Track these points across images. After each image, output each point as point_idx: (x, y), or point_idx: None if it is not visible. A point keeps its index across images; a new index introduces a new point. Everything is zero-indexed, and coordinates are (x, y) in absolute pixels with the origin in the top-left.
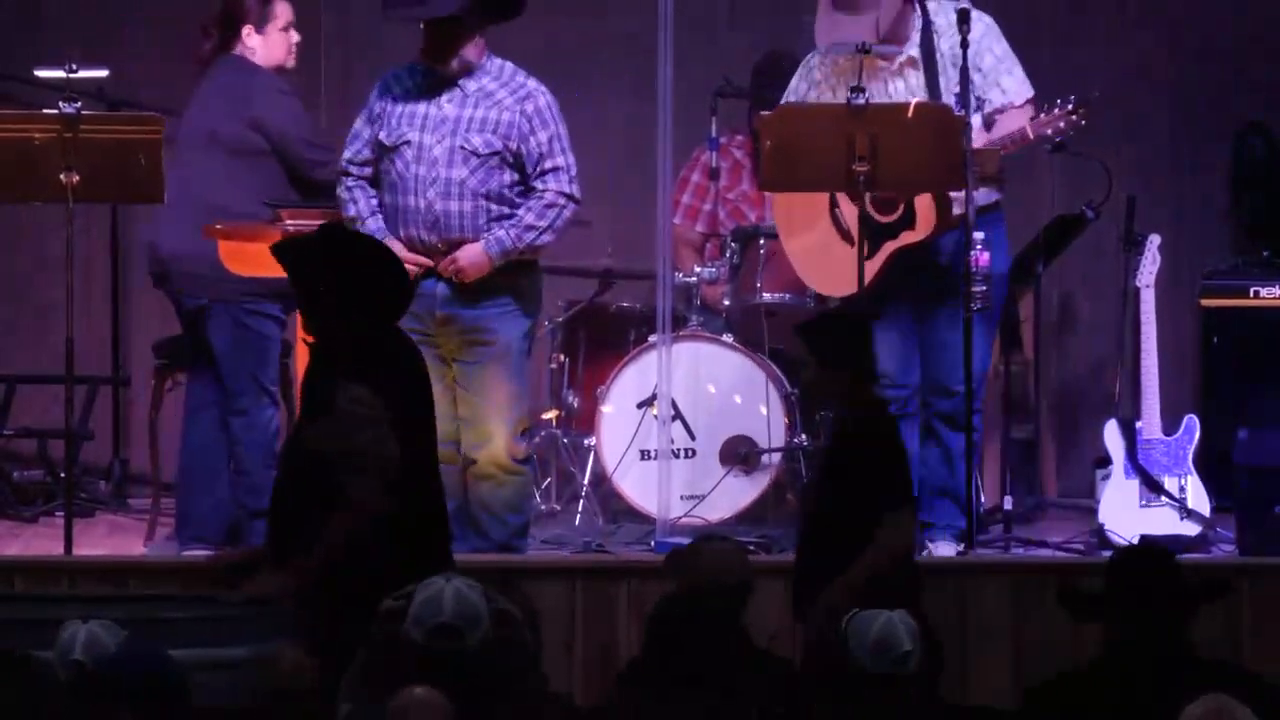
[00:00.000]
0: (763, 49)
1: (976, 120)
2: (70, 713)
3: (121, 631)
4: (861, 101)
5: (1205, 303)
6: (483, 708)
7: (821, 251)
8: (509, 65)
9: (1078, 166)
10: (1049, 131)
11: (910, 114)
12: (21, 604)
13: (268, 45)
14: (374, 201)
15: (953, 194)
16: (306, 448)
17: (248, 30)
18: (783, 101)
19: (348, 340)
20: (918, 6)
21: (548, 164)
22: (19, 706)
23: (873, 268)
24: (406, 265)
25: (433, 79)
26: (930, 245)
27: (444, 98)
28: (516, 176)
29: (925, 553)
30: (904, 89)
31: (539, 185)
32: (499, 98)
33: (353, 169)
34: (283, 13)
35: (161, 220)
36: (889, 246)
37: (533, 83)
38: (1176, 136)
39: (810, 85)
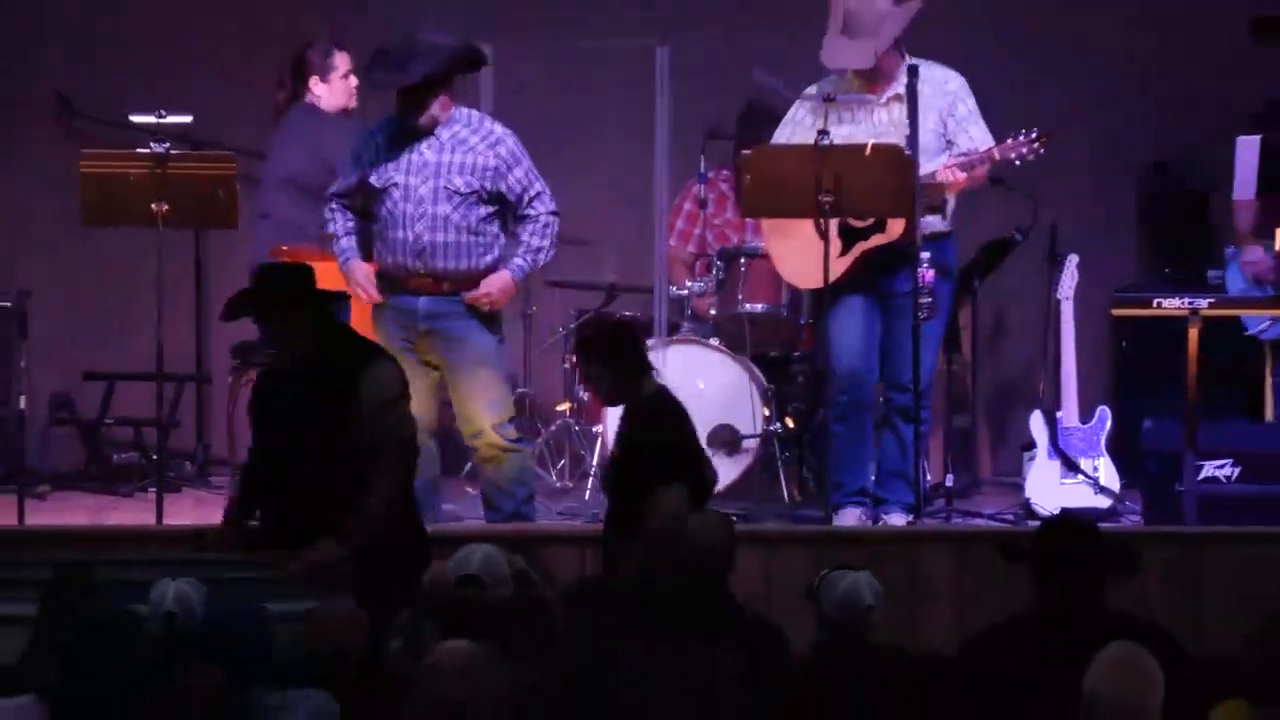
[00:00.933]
0: (745, 98)
1: (943, 157)
2: (161, 659)
3: (203, 587)
4: (826, 143)
5: (1115, 312)
6: (505, 653)
7: (802, 251)
8: (475, 113)
9: (1009, 198)
10: (1013, 155)
11: (868, 153)
12: (121, 566)
13: (331, 92)
14: (350, 224)
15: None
16: (334, 427)
17: (314, 80)
18: (775, 138)
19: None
20: (906, 56)
21: (530, 193)
22: (119, 654)
23: (845, 264)
24: (360, 291)
25: (410, 130)
26: (895, 252)
27: (423, 145)
28: (491, 210)
29: (880, 523)
30: (888, 120)
31: (530, 211)
32: (473, 144)
33: (334, 200)
34: (342, 62)
35: (253, 247)
36: (860, 246)
37: (499, 128)
38: (1093, 173)
39: (798, 123)
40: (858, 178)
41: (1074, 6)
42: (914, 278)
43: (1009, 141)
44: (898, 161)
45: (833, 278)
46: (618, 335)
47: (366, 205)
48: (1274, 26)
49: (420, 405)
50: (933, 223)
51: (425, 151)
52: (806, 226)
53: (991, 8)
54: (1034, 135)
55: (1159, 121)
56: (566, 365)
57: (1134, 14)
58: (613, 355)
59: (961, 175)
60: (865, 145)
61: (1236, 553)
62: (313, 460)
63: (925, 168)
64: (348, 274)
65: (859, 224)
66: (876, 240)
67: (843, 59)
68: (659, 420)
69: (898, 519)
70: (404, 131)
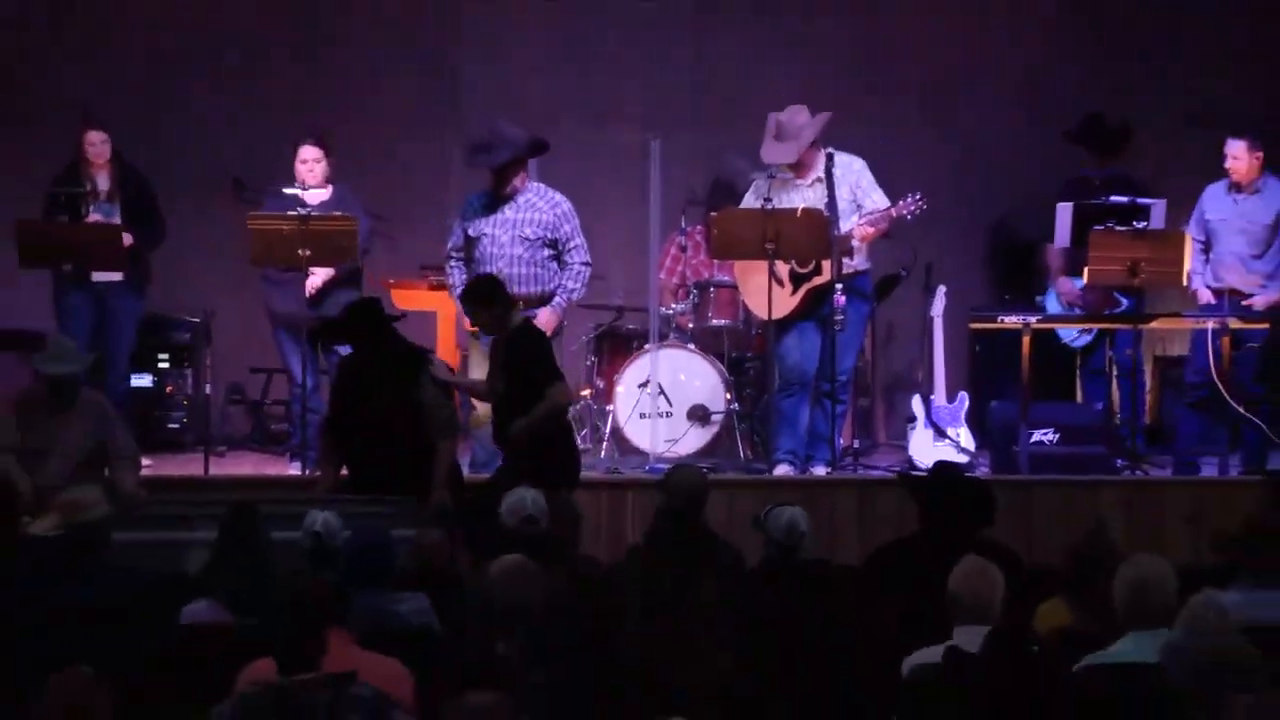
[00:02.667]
0: (713, 175)
1: (855, 217)
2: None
3: (339, 518)
4: (770, 207)
5: (972, 325)
6: (550, 566)
7: (760, 289)
8: (542, 186)
9: (897, 245)
10: (905, 212)
11: (799, 215)
12: (277, 504)
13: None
14: (463, 276)
15: (845, 259)
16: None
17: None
18: (744, 204)
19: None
20: (821, 149)
21: (571, 245)
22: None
23: (795, 300)
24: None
25: (496, 197)
26: (829, 289)
27: (506, 207)
28: (550, 252)
29: (808, 473)
30: (813, 196)
31: (568, 259)
32: (539, 206)
33: (453, 255)
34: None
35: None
36: (805, 286)
37: (559, 196)
38: (956, 227)
39: (758, 196)
40: (792, 232)
41: (949, 96)
42: (831, 304)
43: (900, 202)
44: (819, 220)
45: (787, 311)
46: (489, 285)
47: (469, 251)
48: (1078, 140)
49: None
50: (855, 264)
51: (506, 211)
52: (763, 273)
53: (882, 100)
54: (918, 196)
55: (1003, 188)
56: (588, 363)
57: (988, 110)
58: (488, 299)
59: (870, 229)
60: (798, 209)
61: (1056, 493)
62: (390, 429)
63: (843, 226)
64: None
65: (803, 270)
66: (815, 281)
67: (774, 157)
68: (531, 338)
69: (820, 470)
70: (493, 198)
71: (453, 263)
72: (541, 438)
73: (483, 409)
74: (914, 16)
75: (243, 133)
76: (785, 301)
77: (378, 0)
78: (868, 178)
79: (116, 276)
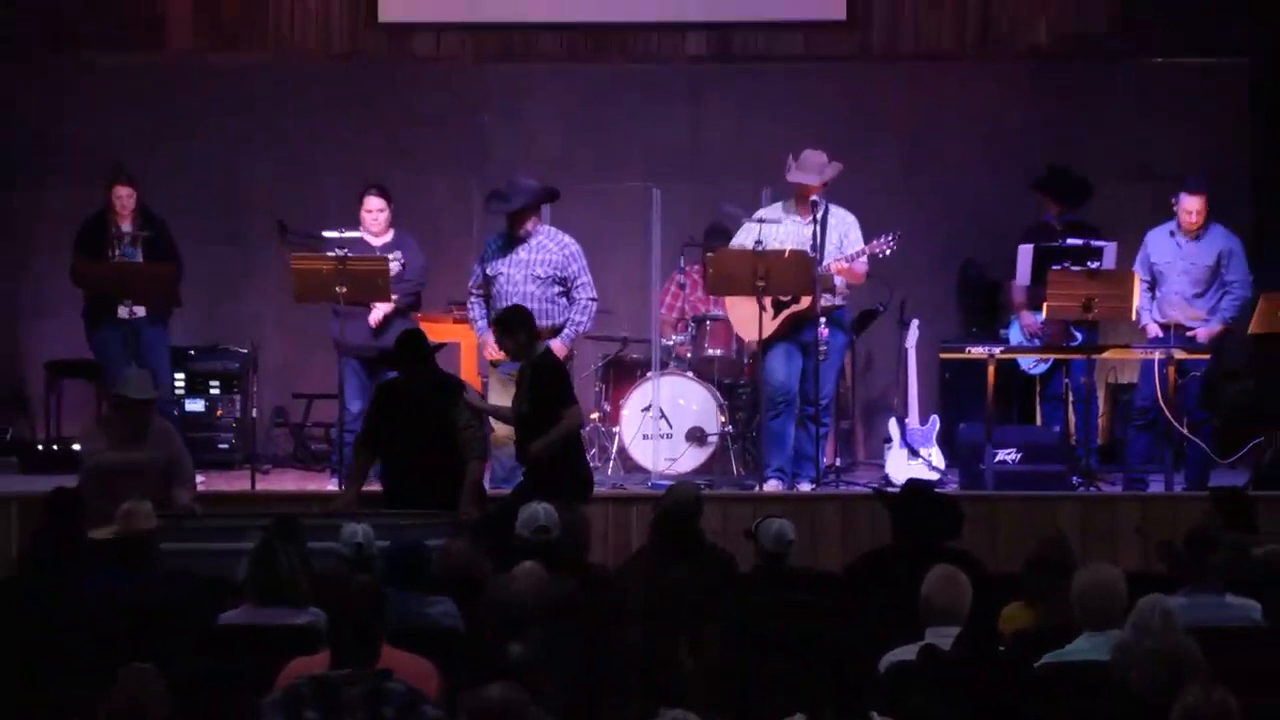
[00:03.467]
0: (709, 220)
1: (835, 261)
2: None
3: (371, 528)
4: (760, 249)
5: (943, 355)
6: (561, 571)
7: (750, 318)
8: (552, 229)
9: (876, 284)
10: (879, 251)
11: (786, 256)
12: (314, 517)
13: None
14: (484, 311)
15: (826, 295)
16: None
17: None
18: (735, 238)
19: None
20: (822, 200)
21: (579, 283)
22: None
23: (776, 324)
24: (488, 350)
25: (511, 239)
26: (809, 317)
27: (520, 249)
28: (559, 289)
29: (796, 488)
30: (809, 234)
31: (576, 295)
32: (550, 248)
33: (473, 291)
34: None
35: None
36: (786, 312)
37: (567, 238)
38: (929, 266)
39: (749, 236)
40: (780, 270)
41: (922, 150)
42: (812, 331)
43: (875, 241)
44: (805, 261)
45: (768, 333)
46: (519, 315)
47: (487, 288)
48: (1044, 189)
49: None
50: (836, 299)
51: (521, 252)
52: (751, 302)
53: (862, 155)
54: (891, 237)
55: (969, 232)
56: (597, 389)
57: (955, 164)
58: (517, 328)
59: (846, 264)
60: (785, 250)
61: (1018, 507)
62: (424, 448)
63: (825, 264)
64: (482, 341)
65: (784, 299)
66: (794, 308)
67: (798, 179)
68: (552, 368)
69: (805, 486)
70: (509, 240)
71: (473, 298)
72: (558, 456)
73: (502, 431)
74: (889, 81)
75: (288, 182)
76: (767, 325)
77: (416, 65)
78: (856, 232)
79: (140, 311)
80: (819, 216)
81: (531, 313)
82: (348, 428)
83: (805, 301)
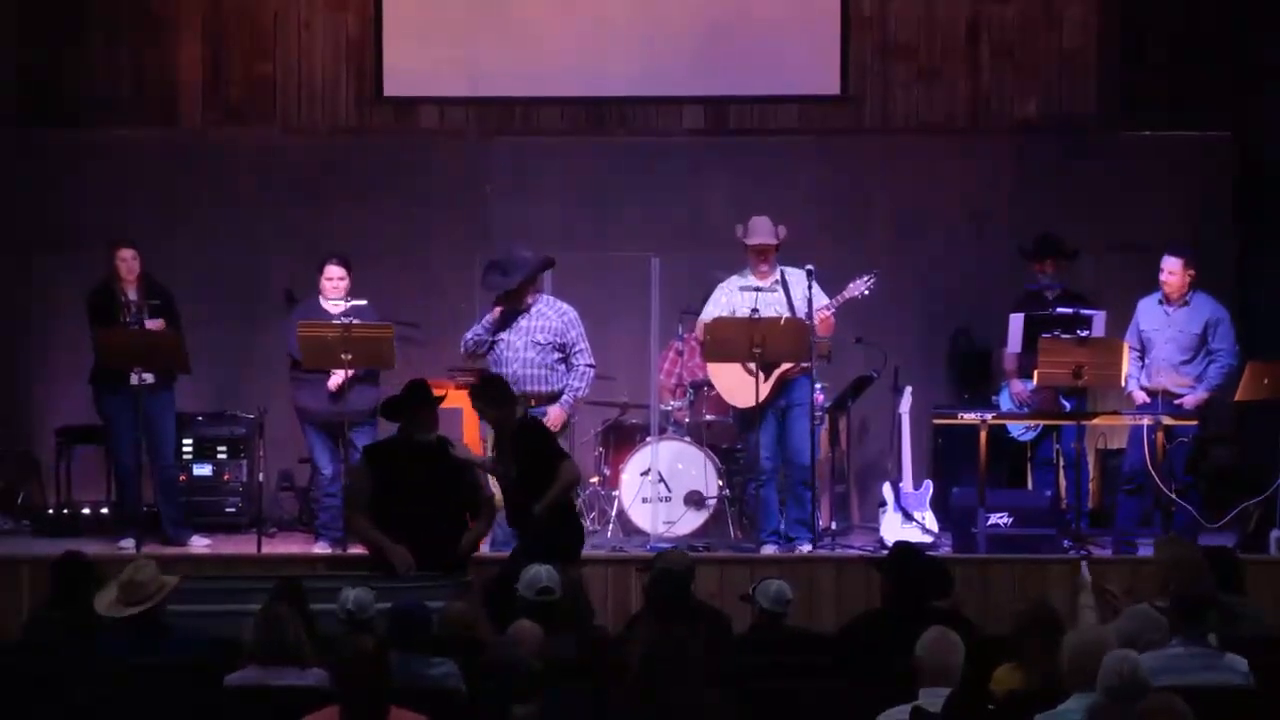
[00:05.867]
0: (704, 289)
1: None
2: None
3: (373, 591)
4: (757, 317)
5: (935, 421)
6: (559, 633)
7: (737, 385)
8: (552, 298)
9: (870, 351)
10: (858, 292)
11: (782, 323)
12: (320, 579)
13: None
14: (473, 337)
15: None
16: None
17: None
18: (705, 310)
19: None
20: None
21: (576, 349)
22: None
23: (767, 387)
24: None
25: (513, 309)
26: (796, 381)
27: (520, 318)
28: (558, 356)
29: (794, 551)
30: (773, 298)
31: (575, 361)
32: (549, 315)
33: (469, 341)
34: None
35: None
36: (775, 373)
37: (565, 305)
38: (921, 335)
39: (727, 295)
40: (776, 337)
41: (911, 226)
42: (800, 397)
43: (852, 284)
44: (799, 327)
45: (763, 397)
46: (496, 386)
47: (488, 354)
48: (1034, 256)
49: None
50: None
51: (521, 320)
52: (737, 368)
53: (853, 230)
54: (869, 276)
55: (961, 302)
56: (597, 453)
57: (942, 238)
58: (494, 397)
59: (829, 313)
60: (781, 318)
61: (1010, 570)
62: (423, 506)
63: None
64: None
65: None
66: (782, 369)
67: (757, 241)
68: (538, 429)
69: (804, 547)
70: (509, 310)
71: (468, 341)
72: (557, 516)
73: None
74: (882, 154)
75: (295, 253)
76: (761, 388)
77: (420, 138)
78: (815, 285)
79: (148, 377)
80: (778, 279)
81: (507, 381)
82: (325, 491)
83: (788, 363)
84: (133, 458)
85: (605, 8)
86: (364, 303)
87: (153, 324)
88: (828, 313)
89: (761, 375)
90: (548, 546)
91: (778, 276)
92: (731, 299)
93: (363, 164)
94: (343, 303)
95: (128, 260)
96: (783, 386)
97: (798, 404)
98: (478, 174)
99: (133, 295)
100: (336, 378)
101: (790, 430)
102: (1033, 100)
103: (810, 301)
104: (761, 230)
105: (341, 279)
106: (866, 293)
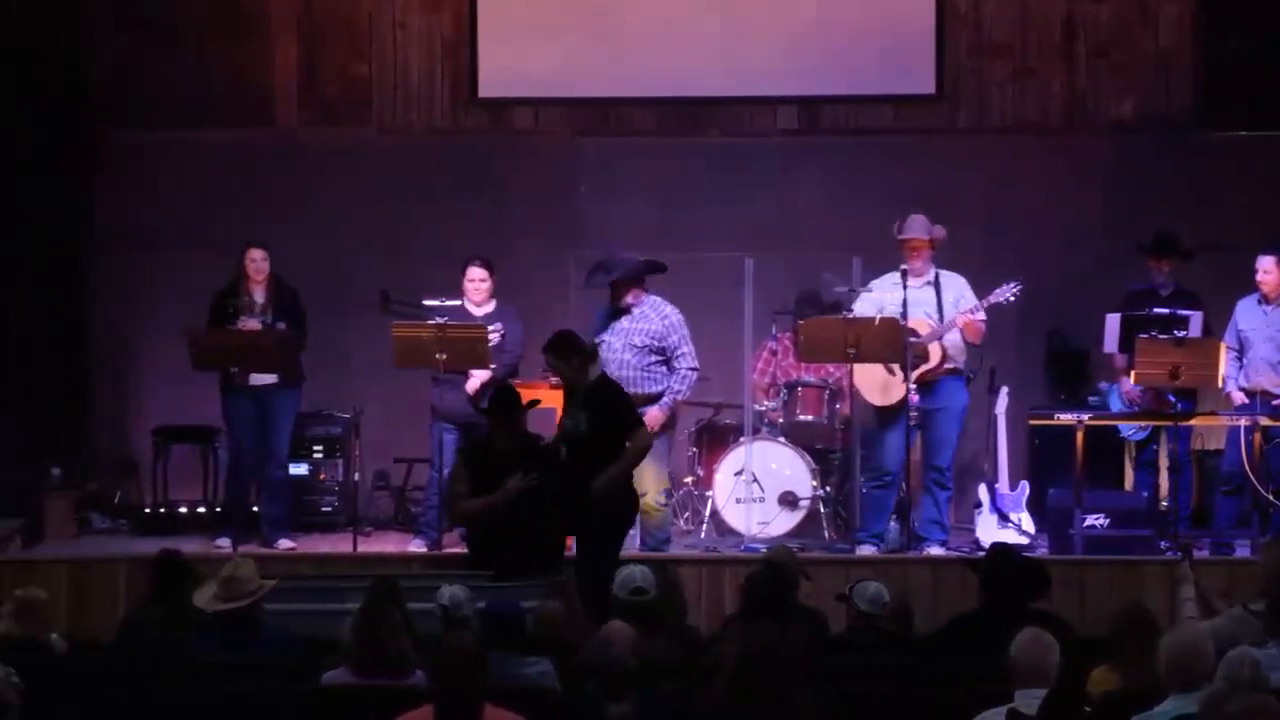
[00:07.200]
0: (798, 288)
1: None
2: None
3: (469, 589)
4: (851, 317)
5: (1031, 422)
6: (652, 634)
7: (877, 384)
8: (658, 300)
9: (967, 353)
10: (1003, 299)
11: (877, 323)
12: (415, 577)
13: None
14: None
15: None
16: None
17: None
18: (858, 304)
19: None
20: (931, 265)
21: (678, 353)
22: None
23: (905, 387)
24: None
25: (616, 310)
26: (940, 383)
27: (623, 319)
28: (657, 359)
29: (924, 554)
30: (923, 298)
31: (676, 364)
32: (650, 318)
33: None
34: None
35: None
36: (914, 373)
37: (668, 308)
38: (1018, 336)
39: (866, 302)
40: (870, 338)
41: (1005, 225)
42: (956, 402)
43: (998, 290)
44: (893, 327)
45: (898, 397)
46: (569, 340)
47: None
48: (1153, 253)
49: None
50: (951, 363)
51: (623, 321)
52: (878, 366)
53: (957, 228)
54: (1015, 285)
55: (1056, 304)
56: (690, 453)
57: (1033, 239)
58: (568, 353)
59: (968, 316)
60: (875, 317)
61: (1106, 571)
62: (525, 507)
63: (940, 328)
64: None
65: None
66: (924, 368)
67: (907, 235)
68: (614, 388)
69: (936, 550)
70: (613, 311)
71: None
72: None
73: (651, 503)
74: (975, 153)
75: (389, 253)
76: (899, 388)
77: (514, 139)
78: (969, 291)
79: (271, 378)
80: (932, 279)
81: (580, 338)
82: (433, 489)
83: (933, 360)
84: (249, 459)
85: (698, 8)
86: (510, 307)
87: (249, 324)
88: (971, 316)
89: (900, 375)
90: (600, 515)
91: (931, 277)
92: (883, 295)
93: (456, 164)
94: (489, 306)
95: (256, 260)
96: (925, 389)
97: (942, 406)
98: (570, 175)
99: (259, 296)
100: (475, 380)
101: (933, 430)
102: (1128, 100)
103: (940, 306)
104: (914, 226)
105: (483, 281)
106: (1012, 299)
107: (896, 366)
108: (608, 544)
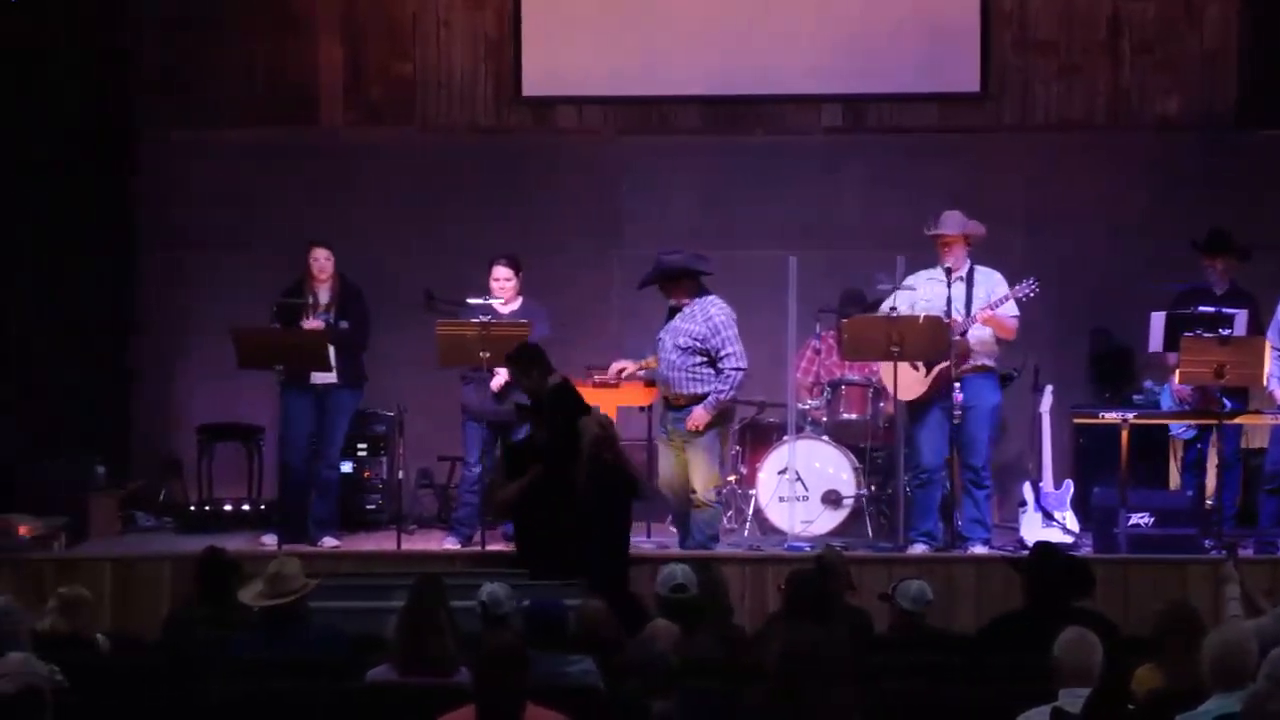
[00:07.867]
0: (841, 287)
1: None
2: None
3: (510, 587)
4: (895, 314)
5: (1075, 420)
6: (695, 632)
7: (908, 380)
8: (709, 300)
9: (1009, 350)
10: (1021, 295)
11: (920, 321)
12: (455, 575)
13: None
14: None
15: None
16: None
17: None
18: (902, 288)
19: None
20: (968, 259)
21: (723, 353)
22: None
23: (927, 382)
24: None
25: (670, 310)
26: (969, 380)
27: (677, 317)
28: (702, 359)
29: (968, 553)
30: (956, 294)
31: (721, 365)
32: (695, 318)
33: None
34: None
35: None
36: (934, 370)
37: (714, 308)
38: (1061, 335)
39: (901, 295)
40: (914, 336)
41: (1047, 224)
42: (987, 399)
43: (1016, 286)
44: (937, 325)
45: (920, 393)
46: (529, 353)
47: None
48: (1206, 250)
49: (668, 470)
50: (980, 360)
51: (676, 320)
52: (906, 367)
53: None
54: (1033, 281)
55: (1100, 304)
56: (734, 452)
57: (1073, 237)
58: (528, 365)
59: (991, 313)
60: (919, 315)
61: (1150, 570)
62: (555, 507)
63: (961, 323)
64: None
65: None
66: (942, 365)
67: (939, 231)
68: (566, 393)
69: (980, 549)
70: (669, 310)
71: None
72: (598, 474)
73: (702, 497)
74: (1020, 151)
75: (432, 252)
76: (920, 383)
77: (557, 138)
78: (1004, 286)
79: (331, 377)
80: (965, 274)
81: (542, 350)
82: (468, 488)
83: (954, 362)
84: (302, 458)
85: (742, 6)
86: (539, 306)
87: (313, 324)
88: (991, 311)
89: (923, 371)
90: (599, 504)
91: (964, 272)
92: (925, 290)
93: (498, 163)
94: (515, 304)
95: (320, 260)
96: (954, 385)
97: (970, 405)
98: (613, 173)
99: (323, 295)
100: (498, 378)
101: (965, 428)
102: (1173, 98)
103: (969, 302)
104: (946, 223)
105: (509, 279)
106: (1031, 295)
107: (920, 363)
108: (609, 544)
